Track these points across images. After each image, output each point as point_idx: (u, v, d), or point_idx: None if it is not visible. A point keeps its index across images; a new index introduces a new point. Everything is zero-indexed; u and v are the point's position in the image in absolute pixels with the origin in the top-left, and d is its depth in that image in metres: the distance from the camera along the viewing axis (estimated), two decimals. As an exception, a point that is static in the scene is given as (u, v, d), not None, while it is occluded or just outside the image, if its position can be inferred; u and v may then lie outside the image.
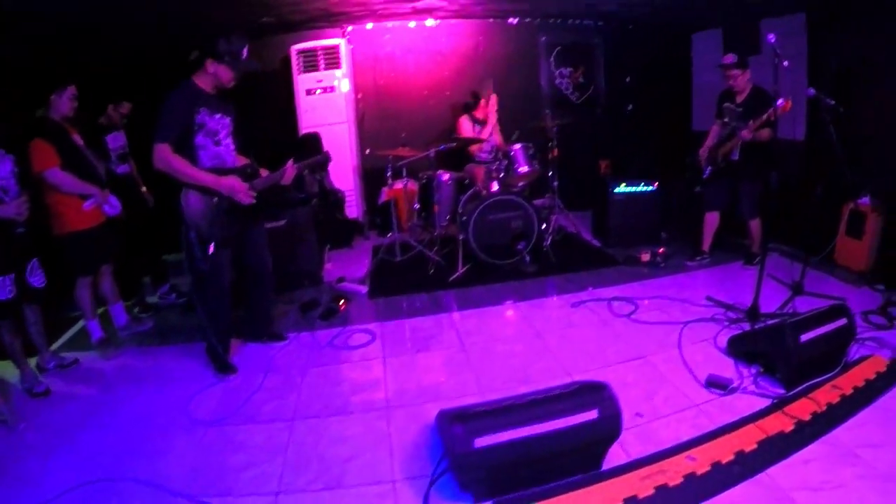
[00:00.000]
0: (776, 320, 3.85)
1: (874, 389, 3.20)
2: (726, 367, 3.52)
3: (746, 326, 4.02)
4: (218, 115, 3.71)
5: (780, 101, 4.32)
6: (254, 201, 3.74)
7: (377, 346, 4.25)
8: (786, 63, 3.86)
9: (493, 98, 6.42)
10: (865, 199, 5.19)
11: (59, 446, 3.20)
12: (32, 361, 4.14)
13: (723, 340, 3.81)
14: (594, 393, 2.50)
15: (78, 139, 4.49)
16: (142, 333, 4.92)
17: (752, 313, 4.10)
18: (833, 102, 4.58)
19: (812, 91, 4.71)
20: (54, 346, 4.65)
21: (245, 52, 3.70)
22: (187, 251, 3.66)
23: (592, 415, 2.43)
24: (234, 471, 2.85)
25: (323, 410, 3.39)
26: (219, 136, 3.72)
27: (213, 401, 3.59)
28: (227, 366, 3.94)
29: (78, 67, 5.59)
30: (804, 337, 3.25)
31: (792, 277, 4.69)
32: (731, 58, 5.12)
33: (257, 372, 3.91)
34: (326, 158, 4.43)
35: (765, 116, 4.61)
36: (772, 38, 3.86)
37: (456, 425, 2.39)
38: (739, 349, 3.65)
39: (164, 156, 3.43)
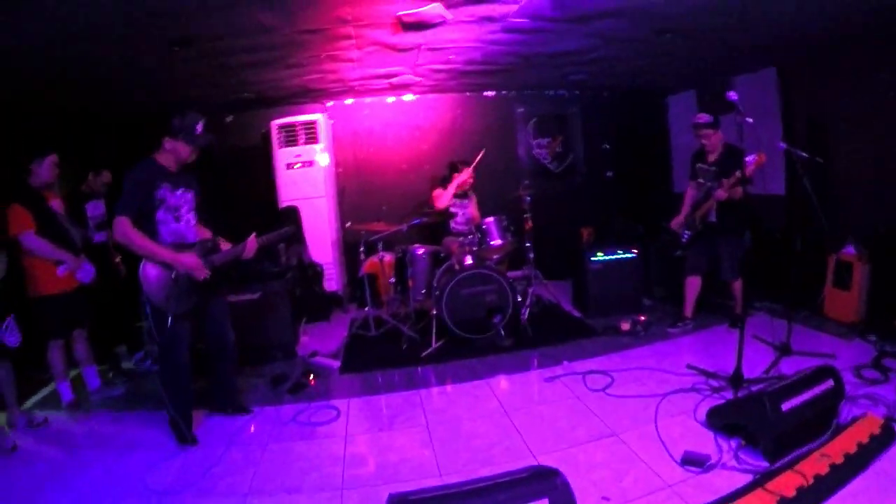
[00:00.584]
0: (759, 387, 3.70)
1: (868, 453, 2.99)
2: (706, 442, 3.34)
3: (730, 395, 3.87)
4: (179, 191, 3.80)
5: (750, 157, 4.31)
6: (209, 277, 3.77)
7: (341, 424, 4.10)
8: (749, 119, 3.84)
9: (468, 171, 6.43)
10: (850, 249, 5.17)
11: None
12: (2, 418, 4.30)
13: (703, 412, 3.63)
14: (545, 480, 2.33)
15: (57, 206, 4.66)
16: (113, 398, 4.93)
17: (735, 380, 3.93)
18: (806, 155, 4.58)
19: (783, 145, 4.74)
20: (26, 405, 4.77)
21: (199, 127, 3.79)
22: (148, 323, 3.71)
23: None
24: None
25: (278, 488, 3.27)
26: (180, 211, 3.81)
27: (172, 471, 3.54)
28: (187, 437, 3.88)
29: (64, 135, 5.67)
30: (786, 405, 3.10)
31: (779, 337, 4.58)
32: (704, 117, 5.14)
33: (218, 445, 3.87)
34: (290, 232, 4.41)
35: (738, 173, 4.56)
36: (734, 95, 3.84)
37: (395, 514, 2.23)
38: (719, 421, 3.47)
39: (124, 229, 3.53)
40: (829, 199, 5.54)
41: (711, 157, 5.20)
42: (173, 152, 3.76)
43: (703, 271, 5.44)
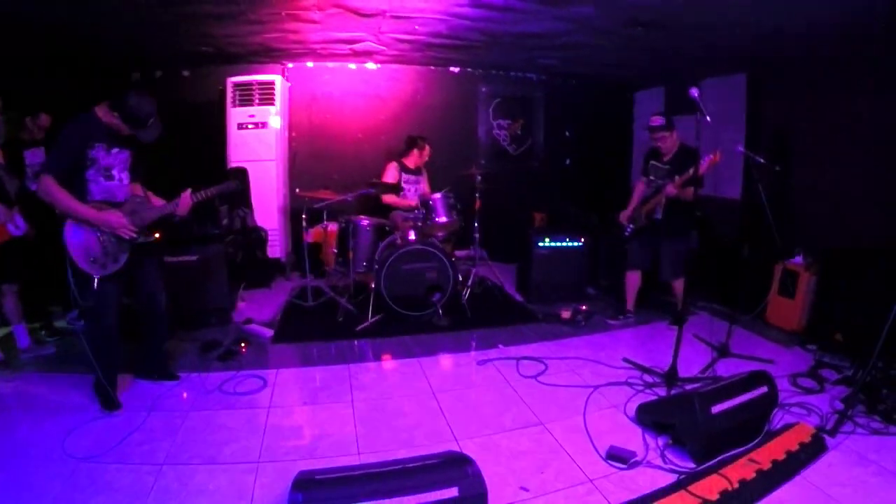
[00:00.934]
0: (693, 386, 3.72)
1: (796, 462, 3.01)
2: (633, 438, 3.33)
3: (663, 392, 3.87)
4: (115, 150, 3.64)
5: (706, 158, 4.28)
6: (135, 236, 3.62)
7: (266, 395, 4.01)
8: (708, 118, 3.78)
9: (427, 149, 6.32)
10: (798, 259, 5.21)
11: None
12: None
13: (634, 408, 3.61)
14: (456, 468, 2.29)
15: None
16: (44, 357, 4.76)
17: (670, 377, 3.92)
18: (762, 160, 4.59)
19: (741, 148, 4.74)
20: None
21: (151, 121, 3.59)
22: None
23: (452, 492, 2.22)
24: None
25: (194, 457, 3.19)
26: (112, 170, 3.65)
27: (91, 436, 3.45)
28: (111, 402, 3.77)
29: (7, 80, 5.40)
30: (717, 407, 3.09)
31: (719, 338, 4.61)
32: (657, 120, 5.09)
33: (140, 410, 3.76)
34: (231, 188, 4.21)
35: (691, 171, 4.52)
36: (695, 92, 3.78)
37: (297, 493, 2.16)
38: (648, 418, 3.46)
39: (47, 186, 3.40)
40: (785, 209, 5.61)
41: (666, 157, 5.17)
42: (115, 123, 3.55)
43: (644, 267, 5.43)
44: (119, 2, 4.66)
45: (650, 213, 5.15)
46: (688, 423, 3.10)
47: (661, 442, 3.25)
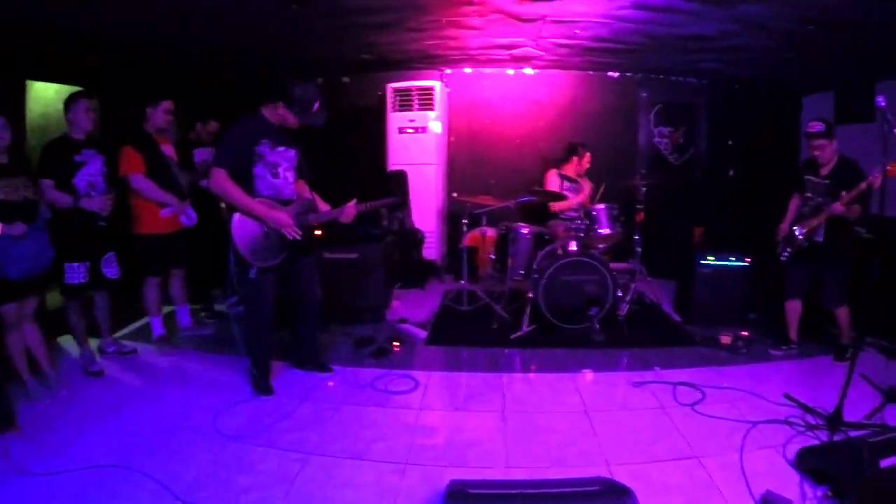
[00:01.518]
0: (858, 433, 3.37)
1: None
2: (790, 484, 3.02)
3: (825, 435, 3.51)
4: (281, 148, 3.83)
5: (876, 170, 3.87)
6: (299, 237, 3.80)
7: (417, 396, 4.09)
8: (896, 130, 3.42)
9: (587, 156, 6.20)
10: None
11: (91, 425, 3.50)
12: (95, 343, 4.61)
13: (793, 450, 3.29)
14: (615, 498, 2.19)
15: (168, 150, 4.91)
16: (201, 337, 5.22)
17: (834, 420, 3.54)
18: None
19: None
20: (118, 334, 5.10)
21: (316, 105, 3.80)
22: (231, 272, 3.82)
23: (608, 523, 2.13)
24: (237, 490, 2.86)
25: (342, 451, 3.30)
26: (278, 168, 3.84)
27: (242, 417, 3.68)
28: (264, 387, 4.02)
29: (177, 84, 5.91)
30: (885, 462, 2.73)
31: (889, 380, 4.14)
32: (818, 126, 4.63)
33: (293, 398, 3.96)
34: (393, 202, 4.40)
35: (863, 185, 4.11)
36: (881, 100, 3.42)
37: (451, 506, 2.17)
38: (808, 464, 3.13)
39: (219, 180, 3.62)
40: None
41: (824, 171, 4.69)
42: (282, 117, 3.78)
43: (803, 295, 4.98)
44: (287, 17, 4.91)
45: (811, 234, 4.69)
46: (852, 475, 2.75)
47: (819, 493, 2.93)
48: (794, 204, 5.03)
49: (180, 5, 4.45)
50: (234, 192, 3.62)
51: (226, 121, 5.53)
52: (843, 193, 4.32)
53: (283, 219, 3.72)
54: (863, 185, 4.12)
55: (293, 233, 3.76)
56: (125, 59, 5.85)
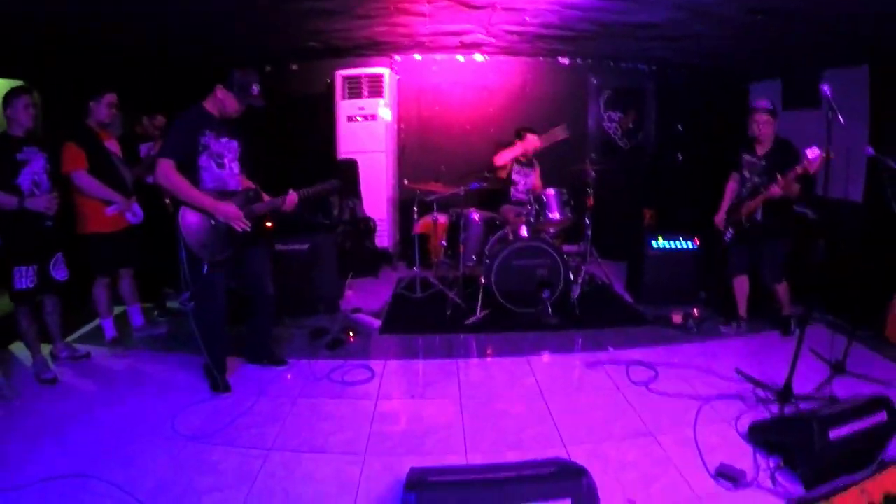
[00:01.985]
0: (807, 405, 3.49)
1: None
2: (744, 456, 3.12)
3: (776, 408, 3.61)
4: (224, 139, 3.78)
5: (813, 154, 3.96)
6: (248, 228, 3.75)
7: (374, 385, 4.07)
8: (841, 118, 3.51)
9: (530, 138, 6.22)
10: None
11: (47, 434, 3.37)
12: (47, 349, 4.41)
13: (746, 423, 3.39)
14: (571, 479, 2.21)
15: (113, 146, 4.73)
16: (155, 337, 5.07)
17: (784, 394, 3.64)
18: (895, 165, 4.22)
19: (871, 150, 4.35)
20: (70, 338, 4.87)
21: (255, 88, 3.77)
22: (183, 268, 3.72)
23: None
24: (199, 492, 2.82)
25: (302, 445, 3.28)
26: (223, 158, 3.79)
27: (200, 416, 3.60)
28: (222, 385, 3.94)
29: (121, 77, 5.72)
30: (834, 433, 2.85)
31: (835, 353, 4.26)
32: (765, 102, 4.77)
33: (249, 394, 3.90)
34: (333, 186, 4.34)
35: (798, 169, 4.21)
36: (826, 89, 3.51)
37: (410, 494, 2.15)
38: (761, 437, 3.23)
39: (166, 172, 3.52)
40: None
41: (761, 150, 4.83)
42: (222, 102, 3.73)
43: (749, 271, 5.13)
44: (234, 4, 4.83)
45: (750, 214, 4.82)
46: (804, 447, 2.87)
47: (772, 463, 3.03)
48: (731, 185, 5.16)
49: None
50: (181, 184, 3.54)
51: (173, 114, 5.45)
52: (779, 177, 4.44)
53: (231, 210, 3.66)
54: (798, 169, 4.22)
55: (242, 224, 3.70)
56: (67, 50, 5.63)
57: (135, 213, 4.71)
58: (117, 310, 5.09)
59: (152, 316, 5.46)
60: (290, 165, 7.03)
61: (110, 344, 4.82)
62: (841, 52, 5.82)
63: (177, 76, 6.76)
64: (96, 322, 5.04)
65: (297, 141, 7.63)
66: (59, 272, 4.23)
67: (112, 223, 4.59)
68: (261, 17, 5.33)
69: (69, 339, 4.83)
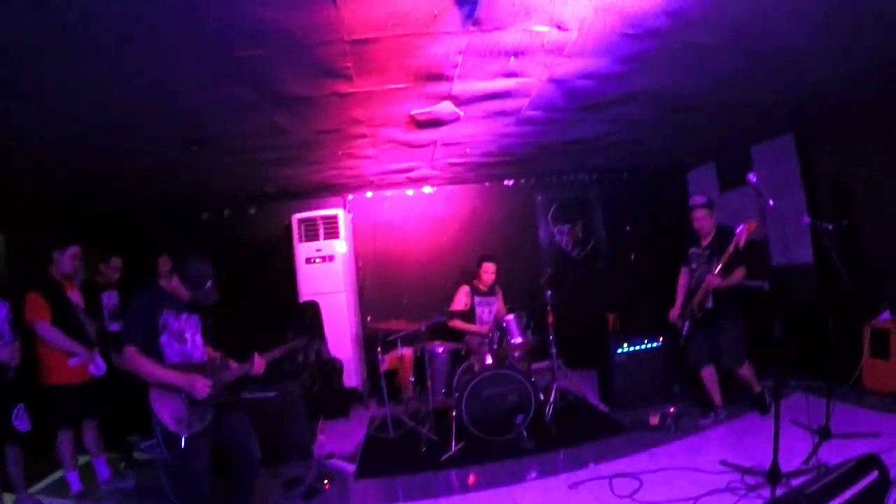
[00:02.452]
0: (799, 479, 3.46)
1: None
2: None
3: (767, 492, 3.58)
4: (184, 315, 3.78)
5: (740, 228, 4.23)
6: (210, 394, 3.66)
7: (355, 538, 3.90)
8: (771, 202, 3.74)
9: (485, 266, 6.39)
10: (886, 315, 4.92)
11: None
12: (9, 500, 4.31)
13: (740, 515, 3.33)
14: None
15: (75, 297, 4.77)
16: (123, 490, 4.85)
17: (773, 475, 3.61)
18: (831, 226, 4.44)
19: (807, 219, 4.61)
20: (34, 489, 4.80)
21: (208, 283, 3.80)
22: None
23: None
24: None
25: None
26: (184, 334, 3.77)
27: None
28: None
29: (80, 225, 5.80)
30: None
31: (816, 419, 4.26)
32: (700, 198, 5.05)
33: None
34: (298, 346, 4.38)
35: (730, 248, 4.43)
36: (752, 177, 3.79)
37: None
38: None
39: (130, 358, 3.51)
40: (860, 265, 5.40)
41: (704, 241, 5.06)
42: (175, 289, 3.77)
43: (713, 359, 5.18)
44: (188, 152, 4.99)
45: (701, 304, 4.96)
46: None
47: None
48: (682, 279, 5.34)
49: (87, 144, 4.50)
50: (147, 367, 3.52)
51: (130, 257, 5.47)
52: (714, 265, 4.66)
53: (193, 380, 3.58)
54: (730, 249, 4.45)
55: (202, 391, 3.59)
56: (28, 202, 5.72)
57: (97, 366, 4.65)
58: (82, 460, 4.91)
59: (119, 467, 5.25)
60: (252, 311, 7.02)
61: (76, 497, 4.63)
62: (764, 128, 6.23)
63: (134, 223, 6.86)
64: (60, 473, 4.87)
65: (258, 284, 7.67)
66: (22, 423, 4.16)
67: (75, 374, 4.53)
68: (217, 164, 5.53)
69: (32, 489, 4.68)
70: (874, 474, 3.07)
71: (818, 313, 5.54)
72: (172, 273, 3.76)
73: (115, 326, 5.28)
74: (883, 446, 3.40)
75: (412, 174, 7.00)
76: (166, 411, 3.54)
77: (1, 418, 4.02)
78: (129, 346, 3.51)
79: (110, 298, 5.40)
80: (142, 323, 3.60)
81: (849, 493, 2.92)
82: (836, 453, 3.76)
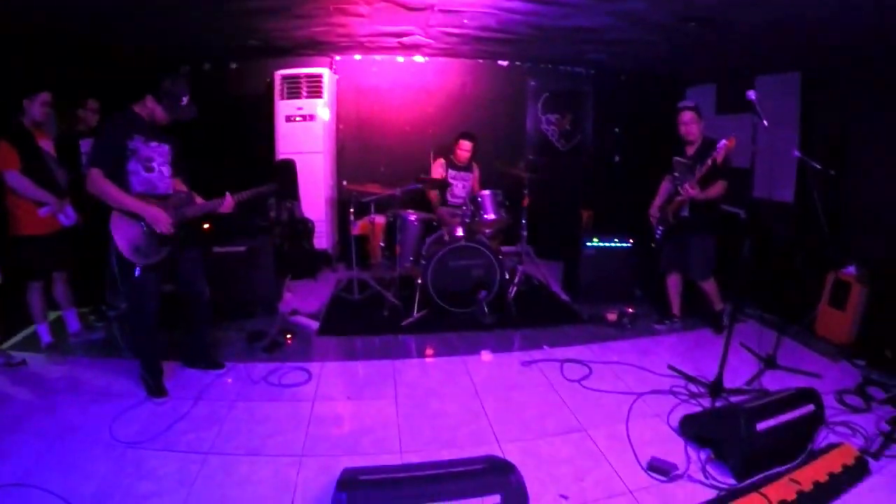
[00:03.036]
0: (738, 398, 3.64)
1: (838, 485, 2.87)
2: (675, 449, 3.23)
3: (708, 402, 3.77)
4: (153, 143, 3.74)
5: (721, 142, 4.19)
6: (172, 231, 3.69)
7: (311, 388, 4.05)
8: (765, 122, 3.66)
9: (461, 143, 6.37)
10: (851, 269, 4.97)
11: None
12: None
13: (677, 418, 3.50)
14: (500, 475, 2.27)
15: (47, 146, 4.59)
16: (92, 342, 4.88)
17: (715, 388, 3.80)
18: (819, 167, 4.42)
19: (797, 153, 4.56)
20: (5, 346, 4.71)
21: (185, 100, 3.75)
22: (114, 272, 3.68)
23: (495, 500, 2.19)
24: (139, 497, 2.80)
25: (239, 448, 3.26)
26: (152, 162, 3.74)
27: (138, 422, 3.54)
28: (156, 389, 3.87)
29: (54, 74, 5.55)
30: (762, 425, 2.98)
31: (766, 348, 4.45)
32: (688, 101, 4.98)
33: (187, 399, 3.84)
34: (270, 190, 4.30)
35: (709, 161, 4.43)
36: (752, 94, 3.68)
37: (341, 493, 2.18)
38: (691, 430, 3.36)
39: (96, 180, 3.50)
40: (839, 216, 5.39)
41: (690, 150, 5.01)
42: (151, 111, 3.71)
43: (679, 268, 5.27)
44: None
45: (676, 211, 4.99)
46: (732, 438, 3.01)
47: (703, 455, 3.15)
48: (664, 185, 5.31)
49: None
50: (111, 191, 3.51)
51: (107, 106, 5.27)
52: (694, 175, 4.64)
53: (157, 214, 3.61)
54: (708, 162, 4.44)
55: (164, 228, 3.64)
56: None
57: (67, 216, 4.55)
58: (52, 315, 4.91)
59: (89, 321, 5.28)
60: (228, 166, 6.90)
61: (46, 350, 4.65)
62: (773, 60, 6.06)
63: (112, 71, 6.58)
64: (31, 328, 4.86)
65: (235, 141, 7.50)
66: None
67: (45, 225, 4.44)
68: (200, 12, 5.24)
69: (4, 346, 4.68)
70: (811, 407, 3.24)
71: (788, 250, 5.61)
72: (145, 97, 3.68)
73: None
74: (822, 388, 3.52)
75: (404, 40, 6.72)
76: (124, 239, 3.57)
77: None
78: (94, 168, 3.50)
79: (89, 145, 5.21)
80: (110, 145, 3.58)
81: (784, 417, 3.09)
82: (777, 383, 3.92)
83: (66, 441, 3.31)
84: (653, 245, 5.39)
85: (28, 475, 2.95)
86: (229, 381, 4.17)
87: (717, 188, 4.68)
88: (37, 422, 3.54)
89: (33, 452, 3.18)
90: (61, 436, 3.36)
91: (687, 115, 4.92)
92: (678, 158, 5.06)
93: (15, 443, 3.29)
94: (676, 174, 5.06)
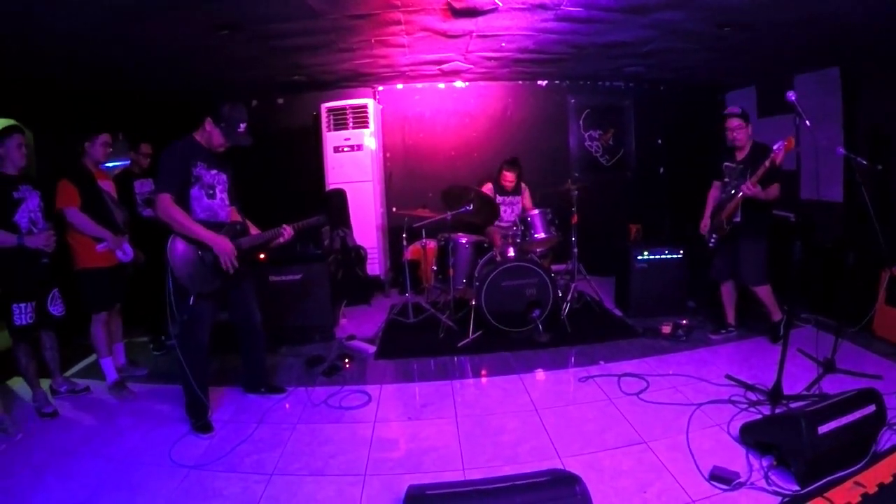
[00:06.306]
0: (798, 404, 3.56)
1: None
2: (737, 458, 3.19)
3: (767, 410, 3.71)
4: (214, 171, 3.84)
5: (778, 144, 4.13)
6: (235, 267, 3.75)
7: (371, 409, 4.13)
8: (808, 122, 3.64)
9: (504, 174, 6.47)
10: None
11: (51, 467, 3.41)
12: (46, 383, 4.47)
13: (737, 426, 3.46)
14: (565, 486, 2.28)
15: (107, 186, 4.81)
16: (136, 377, 4.97)
17: (774, 395, 3.76)
18: (865, 163, 4.34)
19: (842, 151, 4.48)
20: (69, 372, 4.96)
21: (242, 126, 3.83)
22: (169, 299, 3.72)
23: (561, 511, 2.22)
24: None
25: (302, 468, 3.33)
26: (214, 189, 3.83)
27: (201, 446, 3.65)
28: (201, 425, 3.83)
29: (111, 116, 5.84)
30: (823, 428, 2.92)
31: (824, 352, 4.35)
32: (734, 108, 4.94)
33: (249, 422, 3.93)
34: (323, 221, 4.41)
35: (767, 163, 4.36)
36: (791, 95, 3.67)
37: (410, 510, 2.22)
38: (752, 438, 3.31)
39: (166, 206, 3.57)
40: (889, 211, 5.27)
41: (740, 155, 4.94)
42: (209, 135, 3.78)
43: (732, 275, 5.20)
44: (217, 38, 4.93)
45: (730, 217, 4.90)
46: (793, 443, 2.94)
47: (765, 463, 3.10)
48: (713, 193, 5.27)
49: (113, 32, 4.46)
50: (180, 217, 3.57)
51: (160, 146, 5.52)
52: (749, 175, 4.58)
53: (225, 246, 3.68)
54: (766, 163, 4.38)
55: (229, 262, 3.69)
56: (58, 90, 5.75)
57: (125, 252, 4.70)
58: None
59: (148, 349, 5.53)
60: (279, 198, 7.12)
61: (111, 389, 4.67)
62: (811, 57, 5.99)
63: (163, 111, 6.88)
64: (93, 357, 4.98)
65: (285, 173, 7.75)
66: (56, 308, 4.29)
67: (103, 259, 4.60)
68: (246, 52, 5.46)
69: (68, 373, 4.88)
70: (872, 407, 3.16)
71: (840, 250, 5.47)
72: (204, 122, 3.79)
73: (148, 212, 5.32)
74: (884, 390, 3.41)
75: (445, 66, 6.87)
76: (181, 266, 3.64)
77: (37, 304, 4.13)
78: (163, 194, 3.56)
79: (143, 186, 5.44)
80: (176, 170, 3.64)
81: (845, 420, 3.02)
82: (837, 386, 3.81)
83: (130, 463, 3.43)
84: (707, 253, 5.32)
85: (94, 496, 3.05)
86: (290, 404, 4.27)
87: (775, 189, 4.63)
88: (100, 446, 3.67)
89: (99, 475, 3.29)
90: (125, 459, 3.48)
91: (734, 122, 4.87)
92: (728, 163, 5.02)
93: (80, 466, 3.41)
94: (726, 179, 5.02)
